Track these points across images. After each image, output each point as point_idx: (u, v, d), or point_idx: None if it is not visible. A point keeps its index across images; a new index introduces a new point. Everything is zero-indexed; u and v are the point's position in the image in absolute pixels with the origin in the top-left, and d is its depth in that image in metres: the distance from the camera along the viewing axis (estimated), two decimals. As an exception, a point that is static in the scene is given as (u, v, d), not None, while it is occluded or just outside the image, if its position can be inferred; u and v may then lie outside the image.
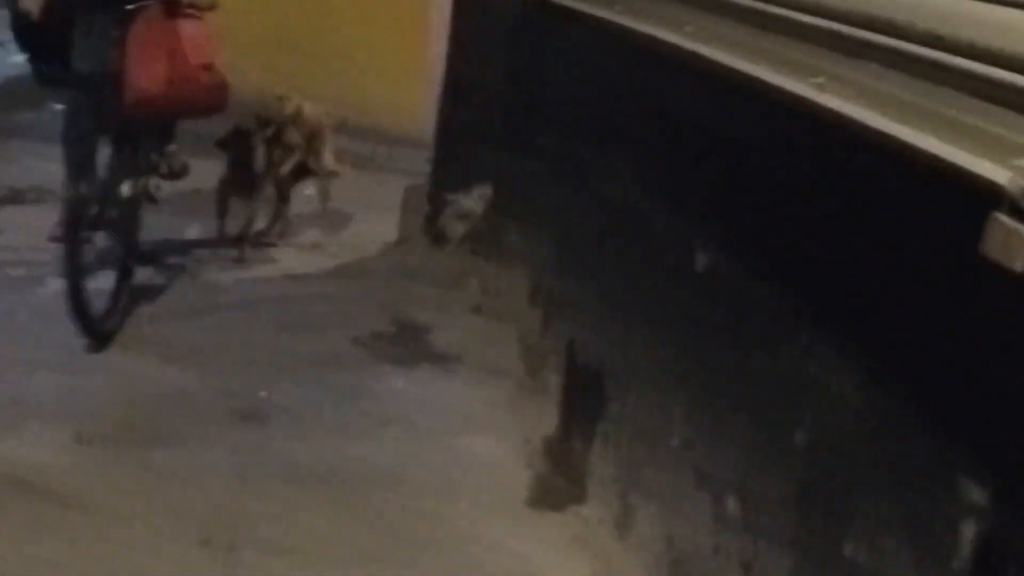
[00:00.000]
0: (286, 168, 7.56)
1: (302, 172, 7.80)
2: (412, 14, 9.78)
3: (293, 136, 7.48)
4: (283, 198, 7.74)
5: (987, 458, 2.40)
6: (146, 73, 5.89)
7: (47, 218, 7.81)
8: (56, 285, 6.16)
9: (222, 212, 7.45)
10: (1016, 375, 2.28)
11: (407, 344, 6.31)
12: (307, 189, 8.93)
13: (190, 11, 6.11)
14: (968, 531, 2.41)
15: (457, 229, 7.00)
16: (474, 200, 6.91)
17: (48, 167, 9.47)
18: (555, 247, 5.73)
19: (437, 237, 7.11)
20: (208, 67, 6.17)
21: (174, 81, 5.94)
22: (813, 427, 3.12)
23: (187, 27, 6.10)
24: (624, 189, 4.80)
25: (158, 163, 6.51)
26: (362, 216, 8.37)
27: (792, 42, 3.16)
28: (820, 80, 2.87)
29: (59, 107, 12.30)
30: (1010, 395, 2.31)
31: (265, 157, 7.36)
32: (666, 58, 4.11)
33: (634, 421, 4.44)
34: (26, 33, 13.66)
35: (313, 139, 7.71)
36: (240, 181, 7.36)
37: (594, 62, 5.37)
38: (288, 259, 7.53)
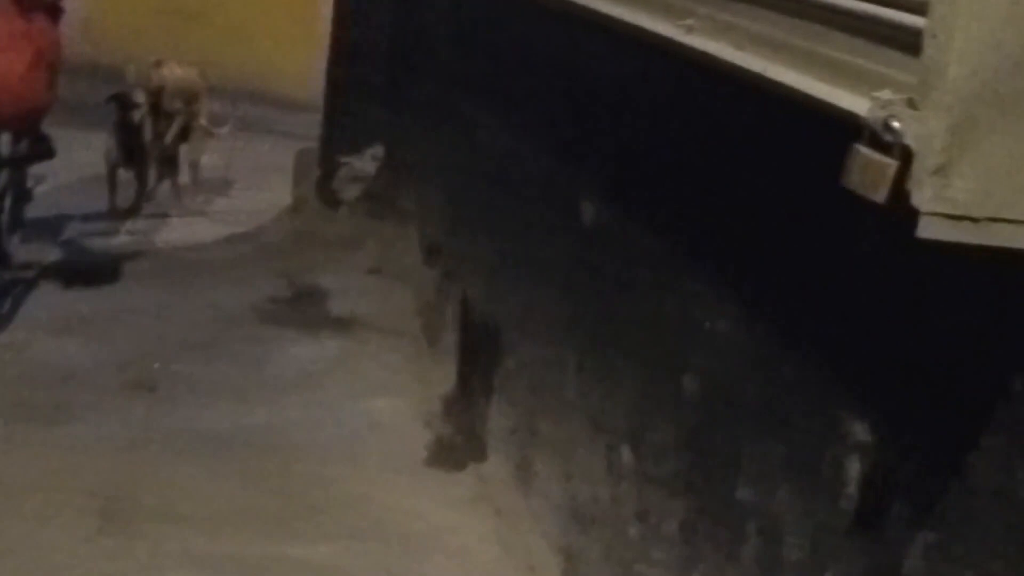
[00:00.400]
0: (170, 135, 7.45)
1: (184, 137, 7.70)
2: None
3: (173, 102, 7.36)
4: (171, 165, 7.63)
5: (868, 394, 2.40)
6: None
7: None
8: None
9: (112, 185, 7.35)
10: (889, 307, 2.27)
11: (305, 309, 6.26)
12: (206, 158, 8.88)
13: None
14: (853, 468, 2.41)
15: (351, 191, 6.95)
16: (367, 161, 6.86)
17: None
18: (447, 204, 5.70)
19: (331, 200, 7.06)
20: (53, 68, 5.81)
21: (26, 79, 5.51)
22: (699, 372, 3.12)
23: (40, 22, 5.71)
24: (508, 142, 4.77)
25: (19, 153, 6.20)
26: (256, 182, 8.32)
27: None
28: (690, 22, 2.84)
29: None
30: (885, 329, 2.31)
31: (151, 127, 7.24)
32: (539, 4, 4.08)
33: (530, 375, 4.42)
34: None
35: (190, 103, 7.60)
36: (127, 153, 7.26)
37: (472, 13, 5.33)
38: (182, 228, 7.46)
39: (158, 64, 7.31)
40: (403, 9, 6.40)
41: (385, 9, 6.55)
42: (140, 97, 7.12)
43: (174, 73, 7.38)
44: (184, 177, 7.78)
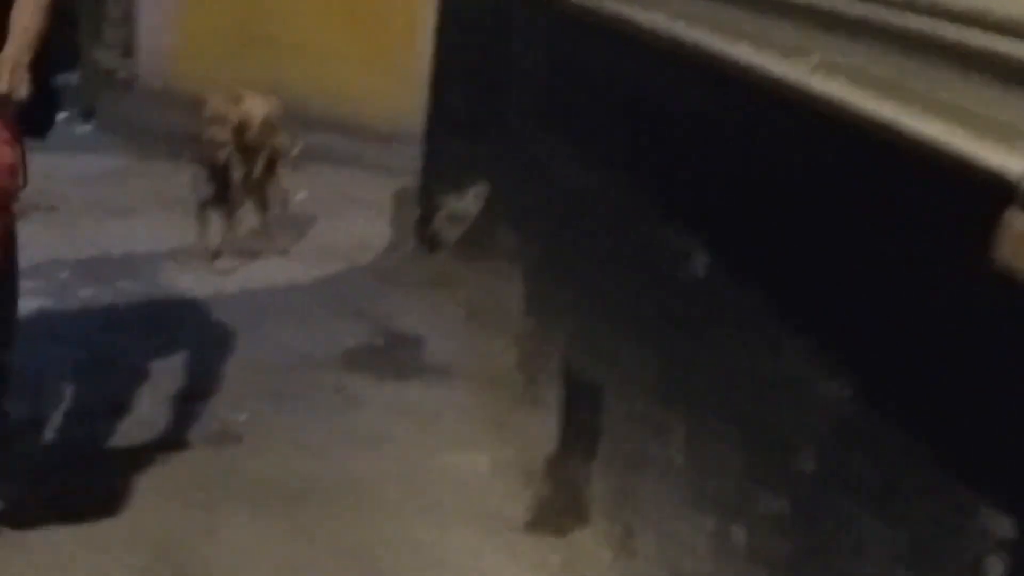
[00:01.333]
0: (258, 170, 7.35)
1: (270, 171, 7.59)
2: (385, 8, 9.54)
3: (257, 136, 7.26)
4: (262, 203, 7.54)
5: (1015, 485, 2.19)
6: None
7: (23, 236, 7.65)
8: None
9: (201, 223, 7.27)
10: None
11: (396, 356, 6.13)
12: (299, 194, 8.79)
13: None
14: (994, 570, 2.20)
15: (451, 232, 6.79)
16: (469, 201, 6.70)
17: (32, 181, 9.38)
18: (547, 249, 5.53)
19: (430, 241, 6.91)
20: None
21: None
22: (814, 444, 2.92)
23: None
24: (616, 187, 4.60)
25: None
26: (350, 219, 8.21)
27: (781, 21, 2.95)
28: (813, 61, 2.66)
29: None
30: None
31: (238, 163, 7.15)
32: (645, 41, 3.91)
33: (633, 436, 4.23)
34: (5, 39, 13.65)
35: (273, 135, 7.51)
36: (217, 192, 7.17)
37: (572, 48, 5.17)
38: (270, 268, 7.34)
39: (237, 100, 7.17)
40: (503, 42, 6.24)
41: (485, 42, 6.39)
42: (224, 134, 7.00)
43: (256, 106, 7.25)
44: (273, 213, 7.63)
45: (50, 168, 9.98)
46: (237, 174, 7.13)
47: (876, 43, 2.47)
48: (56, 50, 12.21)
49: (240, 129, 7.05)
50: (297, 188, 8.89)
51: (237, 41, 10.68)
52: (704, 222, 3.74)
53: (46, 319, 6.27)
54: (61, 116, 12.07)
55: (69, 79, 13.21)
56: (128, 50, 11.75)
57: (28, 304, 6.36)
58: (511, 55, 6.18)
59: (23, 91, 3.99)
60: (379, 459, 5.08)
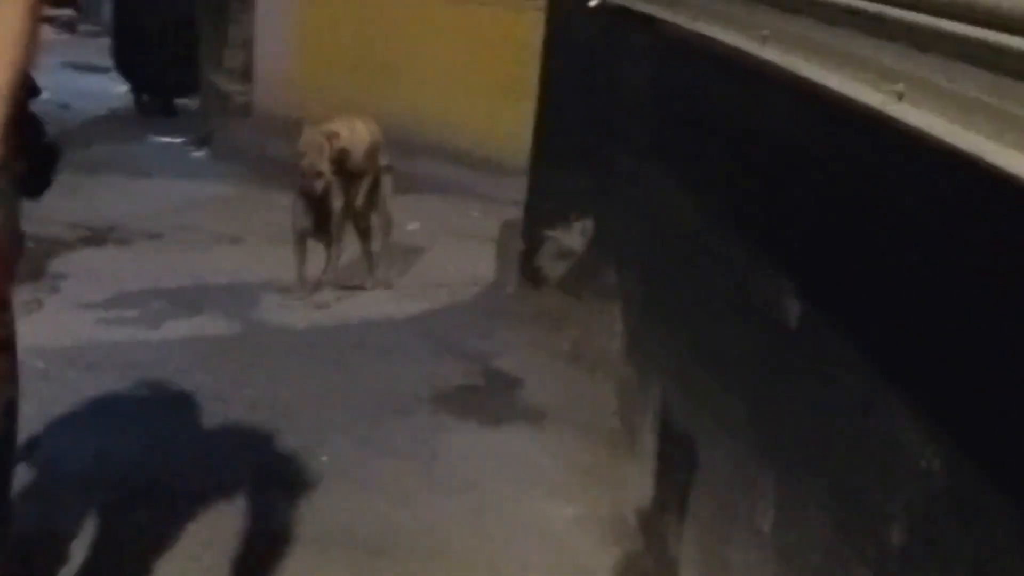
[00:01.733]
0: (360, 198, 7.16)
1: (372, 200, 7.38)
2: (505, 27, 9.33)
3: (358, 163, 7.07)
4: (364, 234, 7.36)
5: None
6: None
7: (124, 262, 7.63)
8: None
9: (299, 255, 7.10)
10: None
11: (491, 398, 5.92)
12: (410, 224, 8.64)
13: None
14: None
15: (556, 268, 6.58)
16: (575, 236, 6.48)
17: (132, 205, 9.37)
18: (648, 289, 5.29)
19: (534, 277, 6.69)
20: None
21: None
22: (907, 517, 2.65)
23: None
24: (717, 225, 4.34)
25: None
26: (457, 252, 8.04)
27: (867, 41, 2.69)
28: (899, 87, 2.40)
29: (163, 140, 12.32)
30: None
31: (340, 192, 6.97)
32: (750, 71, 3.66)
33: (723, 495, 3.97)
34: (129, 63, 13.72)
35: (375, 162, 7.30)
36: (318, 223, 7.00)
37: (687, 79, 4.93)
38: (370, 302, 7.19)
39: (335, 127, 6.97)
40: (611, 70, 6.02)
41: (593, 70, 6.17)
42: (323, 166, 6.82)
43: (358, 132, 7.06)
44: (376, 245, 7.44)
45: (160, 194, 10.02)
46: (337, 204, 6.95)
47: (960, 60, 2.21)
48: (178, 73, 12.28)
49: (339, 157, 6.87)
50: (408, 218, 8.77)
51: (354, 67, 10.67)
52: (800, 267, 3.48)
53: (133, 350, 6.16)
54: (177, 141, 12.14)
55: (189, 104, 13.28)
56: (246, 75, 11.73)
57: (117, 333, 6.31)
58: (618, 84, 5.96)
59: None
60: (463, 507, 4.86)
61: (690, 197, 4.69)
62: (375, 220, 7.39)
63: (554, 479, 5.15)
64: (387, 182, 7.35)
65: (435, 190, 9.78)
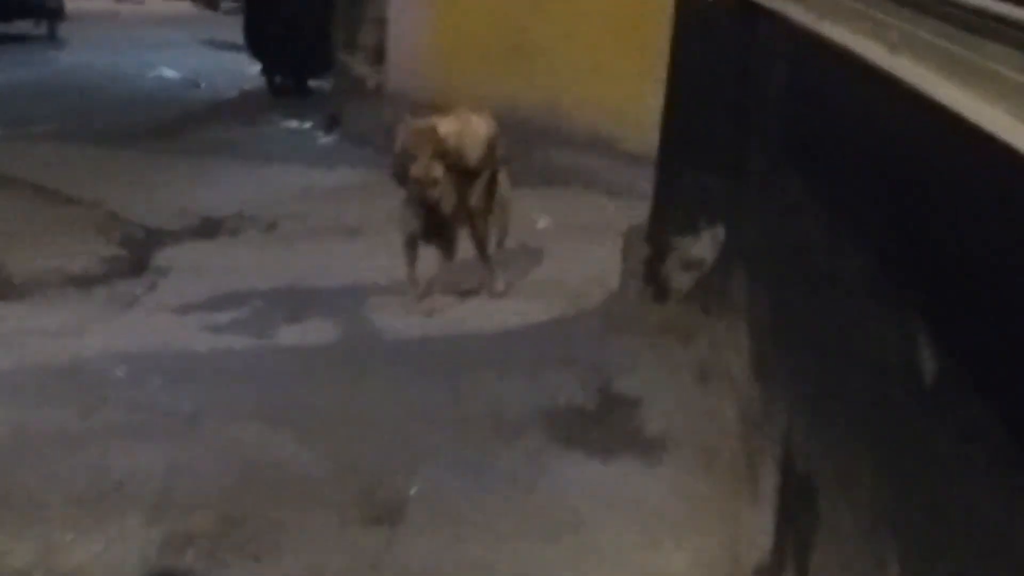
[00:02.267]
0: (476, 198, 6.72)
1: (489, 200, 6.91)
2: (649, 4, 8.85)
3: (473, 161, 6.63)
4: (480, 235, 6.91)
5: None
6: None
7: (233, 256, 7.37)
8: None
9: (410, 258, 6.72)
10: None
11: (606, 421, 5.47)
12: (540, 221, 8.26)
13: None
14: None
15: (684, 280, 6.09)
16: (704, 244, 5.99)
17: (250, 192, 9.10)
18: (778, 310, 4.81)
19: (660, 288, 6.22)
20: None
21: None
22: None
23: None
24: (855, 251, 3.87)
25: None
26: (584, 252, 7.61)
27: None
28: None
29: (291, 124, 12.07)
30: None
31: (451, 193, 6.54)
32: (889, 82, 3.18)
33: (845, 558, 3.51)
34: (261, 43, 13.48)
35: (491, 158, 6.81)
36: (429, 226, 6.59)
37: (826, 85, 4.45)
38: (483, 309, 6.79)
39: (443, 122, 6.51)
40: (744, 63, 5.54)
41: (725, 61, 5.69)
42: (438, 171, 6.40)
43: (471, 126, 6.60)
44: (493, 247, 7.02)
45: (281, 181, 9.73)
46: (448, 204, 6.52)
47: None
48: (311, 53, 12.04)
49: (449, 155, 6.43)
50: (539, 214, 8.39)
51: (490, 49, 10.30)
52: (935, 313, 3.01)
53: (226, 358, 5.86)
54: (306, 125, 11.87)
55: (321, 85, 13.01)
56: (380, 56, 11.43)
57: (211, 339, 6.00)
58: (752, 78, 5.48)
59: None
60: (561, 550, 4.44)
61: (825, 213, 4.22)
62: (494, 220, 6.93)
63: (663, 521, 4.69)
64: (505, 179, 6.90)
65: (572, 182, 9.41)
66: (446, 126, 6.46)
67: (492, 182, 6.79)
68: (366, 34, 11.74)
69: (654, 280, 6.26)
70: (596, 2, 9.78)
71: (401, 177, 6.46)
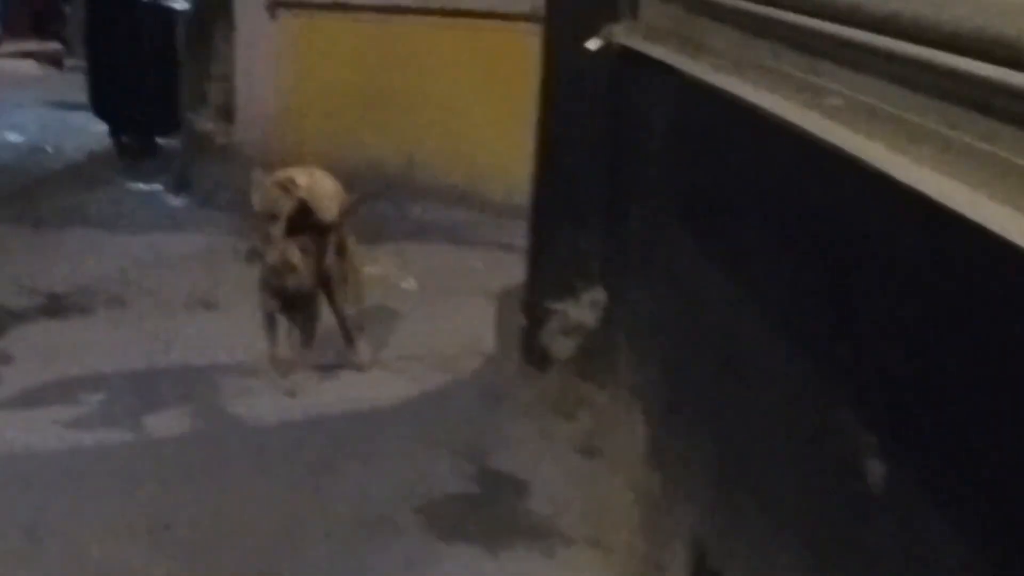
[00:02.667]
0: (329, 259, 6.25)
1: (342, 263, 6.43)
2: (515, 49, 8.48)
3: (328, 213, 6.15)
4: (336, 301, 6.43)
5: None
6: None
7: (80, 338, 6.87)
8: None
9: (269, 333, 6.27)
10: None
11: (491, 508, 5.04)
12: (405, 281, 7.84)
13: None
14: None
15: (564, 347, 5.68)
16: (584, 308, 5.60)
17: (98, 264, 8.56)
18: (676, 384, 4.41)
19: (539, 357, 5.79)
20: None
21: None
22: None
23: None
24: (757, 324, 3.48)
25: None
26: (452, 313, 7.20)
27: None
28: None
29: (139, 186, 11.51)
30: None
31: (306, 256, 6.08)
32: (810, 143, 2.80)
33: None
34: (105, 102, 12.90)
35: (342, 216, 6.35)
36: (287, 302, 6.15)
37: (712, 129, 4.06)
38: (352, 384, 6.31)
39: (285, 187, 6.03)
40: (622, 111, 5.17)
41: (600, 109, 5.33)
42: (294, 255, 5.99)
43: (318, 182, 6.15)
44: (352, 310, 6.53)
45: (130, 250, 9.18)
46: (307, 283, 6.06)
47: None
48: (158, 111, 11.50)
49: (308, 211, 5.98)
50: (403, 273, 7.95)
51: (343, 102, 9.96)
52: (881, 406, 2.61)
53: (80, 454, 5.37)
54: (155, 187, 11.33)
55: (169, 144, 12.45)
56: (227, 114, 10.94)
57: (50, 437, 5.51)
58: (631, 127, 5.09)
59: None
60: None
61: (726, 281, 3.83)
62: (350, 284, 6.47)
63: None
64: (352, 238, 6.45)
65: (436, 238, 8.97)
66: (301, 179, 6.01)
67: (341, 243, 6.32)
68: (214, 91, 11.26)
69: (533, 348, 5.83)
70: (454, 48, 9.43)
71: (255, 257, 5.99)
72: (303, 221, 5.99)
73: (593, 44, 5.06)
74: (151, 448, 5.49)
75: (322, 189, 6.12)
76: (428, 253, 8.66)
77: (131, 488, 5.09)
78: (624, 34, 4.96)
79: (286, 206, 5.94)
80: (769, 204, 3.42)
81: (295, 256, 5.95)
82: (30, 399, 6.01)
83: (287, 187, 5.98)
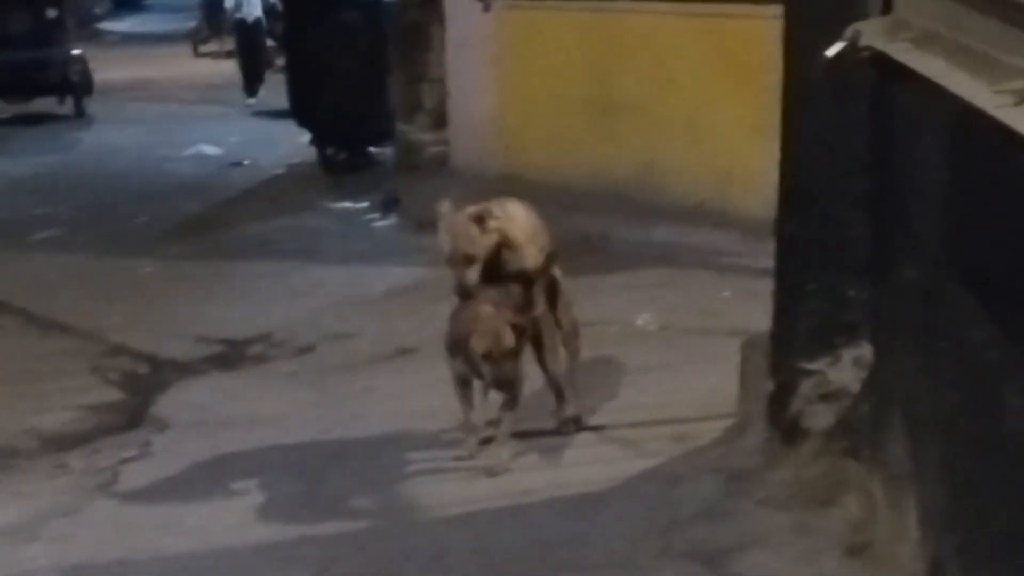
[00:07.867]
0: (537, 310, 5.71)
1: (552, 309, 5.89)
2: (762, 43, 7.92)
3: (530, 257, 5.64)
4: (544, 357, 5.87)
5: None
6: None
7: (251, 398, 6.43)
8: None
9: (466, 401, 5.69)
10: None
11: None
12: (640, 317, 7.25)
13: None
14: None
15: (820, 416, 5.04)
16: (844, 369, 4.95)
17: (288, 303, 8.21)
18: (959, 476, 3.85)
19: (789, 427, 5.14)
20: None
21: None
22: None
23: None
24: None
25: None
26: (683, 364, 6.67)
27: None
28: None
29: (343, 206, 11.16)
30: None
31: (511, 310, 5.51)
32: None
33: None
34: (309, 109, 12.61)
35: (549, 260, 5.82)
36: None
37: (998, 172, 3.39)
38: (561, 458, 5.74)
39: (480, 219, 5.46)
40: (882, 137, 4.51)
41: (856, 133, 4.68)
42: (508, 338, 5.46)
43: (513, 216, 5.63)
44: (563, 367, 5.95)
45: (324, 288, 8.77)
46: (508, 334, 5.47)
47: None
48: (366, 120, 11.25)
49: (498, 258, 5.44)
50: (636, 307, 7.36)
51: (569, 110, 9.87)
52: None
53: (221, 565, 4.86)
54: (360, 206, 10.97)
55: (383, 155, 12.16)
56: (440, 120, 10.61)
57: (200, 540, 5.02)
58: (897, 150, 4.42)
59: None
60: None
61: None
62: (563, 337, 5.92)
63: None
64: (560, 276, 5.94)
65: (674, 262, 8.40)
66: (496, 212, 5.47)
67: (552, 288, 5.73)
68: (427, 95, 10.92)
69: (781, 415, 5.16)
70: (696, 40, 9.05)
71: (458, 341, 5.49)
72: (502, 267, 5.42)
73: (833, 51, 4.37)
74: (308, 551, 4.95)
75: (518, 225, 5.54)
76: (666, 281, 8.12)
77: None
78: (875, 36, 4.27)
79: (482, 246, 5.38)
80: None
81: (509, 338, 5.38)
82: (173, 484, 5.58)
83: (482, 222, 5.42)
